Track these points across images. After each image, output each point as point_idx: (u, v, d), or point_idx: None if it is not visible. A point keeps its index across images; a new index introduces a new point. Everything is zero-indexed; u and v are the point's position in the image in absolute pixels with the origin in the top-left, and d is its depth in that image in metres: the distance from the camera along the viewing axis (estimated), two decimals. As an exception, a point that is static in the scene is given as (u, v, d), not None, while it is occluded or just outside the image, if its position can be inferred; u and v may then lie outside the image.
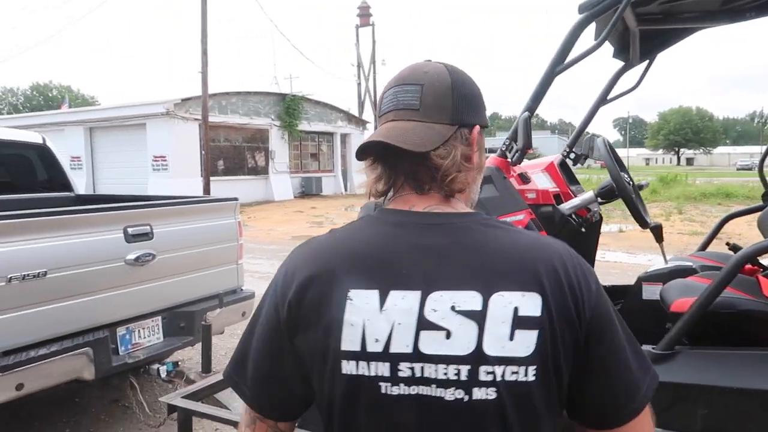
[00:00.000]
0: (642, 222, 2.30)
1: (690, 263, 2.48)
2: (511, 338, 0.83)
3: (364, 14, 31.94)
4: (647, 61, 2.88)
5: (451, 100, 0.94)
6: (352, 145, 27.51)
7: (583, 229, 2.36)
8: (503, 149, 2.22)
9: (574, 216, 2.33)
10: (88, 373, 3.13)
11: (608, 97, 2.91)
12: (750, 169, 61.42)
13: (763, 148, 3.44)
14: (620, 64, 2.88)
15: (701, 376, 1.79)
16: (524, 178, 2.33)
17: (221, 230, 4.06)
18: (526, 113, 2.04)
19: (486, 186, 2.16)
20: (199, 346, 3.56)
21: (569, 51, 2.07)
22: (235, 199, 4.22)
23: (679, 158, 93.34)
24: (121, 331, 3.43)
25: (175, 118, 19.13)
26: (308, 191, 24.28)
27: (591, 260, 2.97)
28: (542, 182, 2.45)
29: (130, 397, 3.75)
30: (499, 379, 0.82)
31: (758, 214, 2.84)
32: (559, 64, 2.07)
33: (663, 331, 2.32)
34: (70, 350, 3.02)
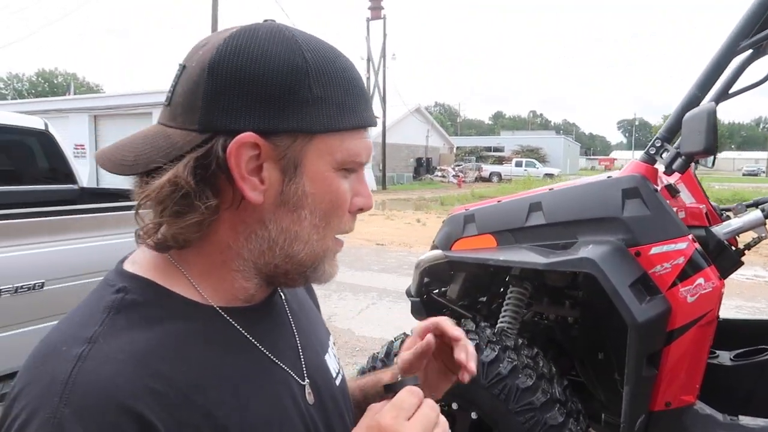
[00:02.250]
0: None
1: None
2: None
3: (376, 7, 31.49)
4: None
5: (203, 90, 0.61)
6: (361, 141, 27.06)
7: (742, 259, 1.84)
8: (652, 153, 1.70)
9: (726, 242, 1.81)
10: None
11: (730, 92, 2.38)
12: (756, 174, 61.60)
13: None
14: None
15: None
16: (672, 191, 1.80)
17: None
18: (712, 103, 1.51)
19: (631, 201, 1.64)
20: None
21: (758, 21, 1.54)
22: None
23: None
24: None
25: (182, 107, 18.88)
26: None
27: None
28: (685, 197, 1.93)
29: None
30: None
31: None
32: (744, 39, 1.54)
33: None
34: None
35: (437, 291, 2.42)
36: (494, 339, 1.84)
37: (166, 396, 0.56)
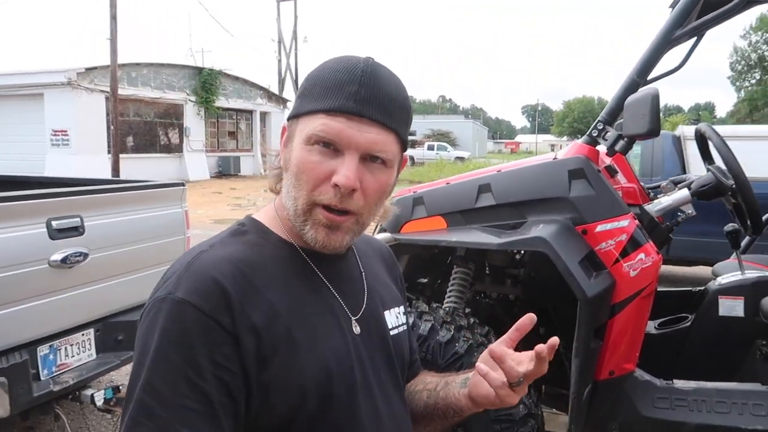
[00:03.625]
0: (759, 226, 1.94)
1: None
2: None
3: (286, -12, 30.70)
4: (695, 38, 2.52)
5: None
6: (272, 124, 26.55)
7: (671, 235, 1.97)
8: (594, 135, 1.76)
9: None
10: (1, 409, 2.48)
11: (648, 78, 2.53)
12: (644, 156, 66.65)
13: None
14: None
15: None
16: (612, 171, 1.88)
17: (166, 221, 3.46)
18: (656, 87, 1.59)
19: (577, 182, 1.70)
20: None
21: (691, 12, 1.64)
22: (182, 184, 3.62)
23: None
24: (42, 350, 2.79)
25: (79, 88, 17.52)
26: (225, 171, 23.31)
27: None
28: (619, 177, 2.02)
29: (54, 430, 3.02)
30: None
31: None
32: (677, 28, 1.63)
33: (744, 352, 2.00)
34: (-23, 382, 2.38)
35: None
36: (448, 319, 1.86)
37: (242, 283, 0.83)
